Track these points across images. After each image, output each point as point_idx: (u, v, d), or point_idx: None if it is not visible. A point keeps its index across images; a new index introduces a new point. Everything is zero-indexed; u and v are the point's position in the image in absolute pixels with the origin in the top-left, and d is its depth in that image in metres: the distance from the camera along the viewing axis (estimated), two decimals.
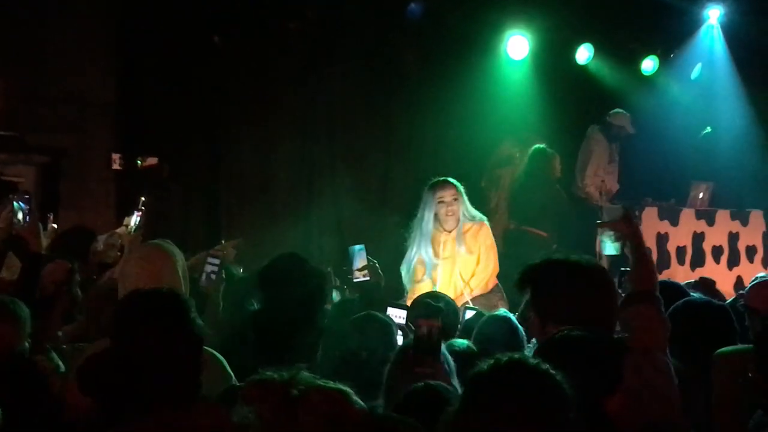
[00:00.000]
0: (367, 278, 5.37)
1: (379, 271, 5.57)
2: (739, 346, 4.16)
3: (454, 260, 6.88)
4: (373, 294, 5.26)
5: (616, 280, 5.13)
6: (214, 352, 3.61)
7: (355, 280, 5.50)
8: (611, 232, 4.18)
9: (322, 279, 4.54)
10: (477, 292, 6.85)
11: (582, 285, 3.52)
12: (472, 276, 6.93)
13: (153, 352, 2.90)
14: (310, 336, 4.08)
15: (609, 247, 4.24)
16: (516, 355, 2.52)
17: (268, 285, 4.48)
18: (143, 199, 5.94)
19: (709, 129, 11.81)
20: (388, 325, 4.10)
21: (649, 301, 3.76)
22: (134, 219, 5.62)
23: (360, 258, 5.53)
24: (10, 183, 5.50)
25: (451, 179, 6.98)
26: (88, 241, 5.87)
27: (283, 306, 4.20)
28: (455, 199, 6.90)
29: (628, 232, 4.08)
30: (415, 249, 6.93)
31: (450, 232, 6.96)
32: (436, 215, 6.94)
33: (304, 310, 4.17)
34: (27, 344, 3.91)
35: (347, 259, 5.63)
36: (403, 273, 6.96)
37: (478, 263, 6.96)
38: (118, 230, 6.41)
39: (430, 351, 3.62)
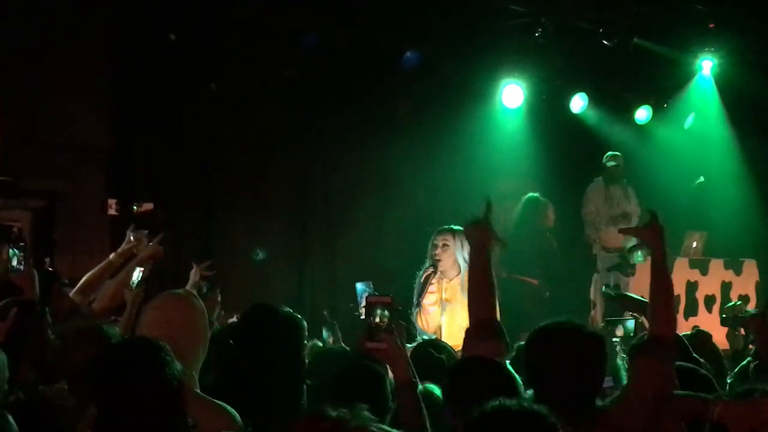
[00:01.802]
0: None
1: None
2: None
3: (457, 307, 6.87)
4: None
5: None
6: (225, 406, 3.52)
7: (362, 317, 5.47)
8: (635, 240, 4.13)
9: (294, 328, 4.45)
10: None
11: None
12: None
13: (129, 404, 2.90)
14: (289, 387, 3.98)
15: (637, 255, 4.22)
16: (505, 401, 2.53)
17: (237, 338, 4.37)
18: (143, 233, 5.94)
19: (702, 178, 11.87)
20: (380, 377, 4.02)
21: (653, 353, 3.63)
22: (137, 274, 5.61)
23: (366, 295, 5.51)
24: (5, 227, 5.48)
25: (452, 226, 7.00)
26: (51, 283, 5.84)
27: (254, 358, 4.09)
28: (444, 245, 6.95)
29: (650, 239, 3.89)
30: (418, 296, 6.96)
31: (451, 279, 6.97)
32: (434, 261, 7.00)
33: (274, 361, 4.04)
34: (6, 388, 3.89)
35: (354, 296, 5.61)
36: (412, 318, 6.96)
37: None
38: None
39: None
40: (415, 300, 6.96)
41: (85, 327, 4.54)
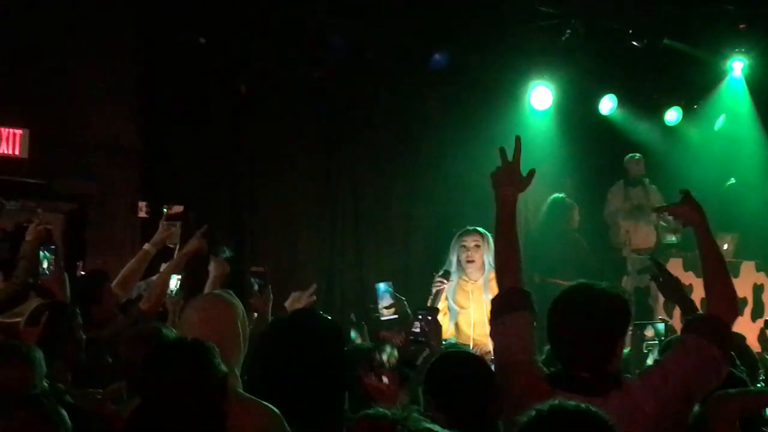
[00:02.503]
0: (395, 316, 5.31)
1: (407, 309, 5.51)
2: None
3: (480, 309, 6.78)
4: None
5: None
6: (268, 405, 3.47)
7: (382, 318, 5.46)
8: (670, 218, 3.94)
9: (337, 332, 4.44)
10: None
11: None
12: None
13: (175, 403, 2.96)
14: (331, 393, 3.94)
15: (671, 237, 4.14)
16: (556, 402, 2.52)
17: (279, 343, 4.35)
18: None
19: (733, 180, 11.78)
20: None
21: (704, 332, 3.40)
22: (174, 282, 5.63)
23: (387, 295, 5.49)
24: (45, 230, 5.53)
25: (479, 228, 6.90)
26: (100, 283, 5.88)
27: (297, 363, 4.05)
28: (476, 246, 6.82)
29: (687, 214, 3.72)
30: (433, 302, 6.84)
31: (476, 281, 6.89)
32: (459, 262, 6.88)
33: (317, 366, 4.01)
34: (46, 385, 3.94)
35: (374, 297, 5.58)
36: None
37: None
38: (153, 278, 6.49)
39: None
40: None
41: (144, 328, 4.57)
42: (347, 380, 3.96)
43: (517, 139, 4.01)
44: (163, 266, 6.11)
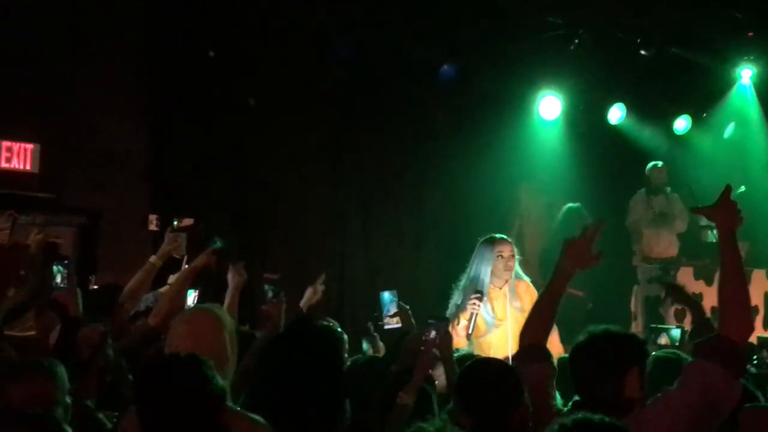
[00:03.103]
0: (399, 325, 5.30)
1: (412, 318, 5.49)
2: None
3: (512, 319, 6.67)
4: (401, 343, 5.09)
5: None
6: (258, 418, 3.50)
7: (386, 327, 5.45)
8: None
9: (333, 340, 4.43)
10: None
11: None
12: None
13: (171, 418, 2.94)
14: (328, 401, 3.95)
15: (710, 234, 4.11)
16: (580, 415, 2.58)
17: (273, 353, 4.34)
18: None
19: (743, 188, 11.74)
20: (428, 395, 3.99)
21: (717, 356, 3.35)
22: (192, 299, 5.64)
23: (392, 304, 5.48)
24: (52, 244, 5.55)
25: (505, 236, 6.88)
26: (113, 297, 5.89)
27: (292, 371, 4.05)
28: (512, 255, 6.77)
29: (718, 218, 3.63)
30: (466, 315, 6.60)
31: (500, 288, 6.83)
32: (491, 270, 6.80)
33: (313, 374, 4.00)
34: (68, 400, 3.94)
35: (378, 305, 5.58)
36: (458, 327, 6.65)
37: None
38: (162, 290, 6.50)
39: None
40: (452, 313, 6.69)
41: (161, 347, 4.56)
42: (350, 388, 3.99)
43: (600, 222, 4.13)
44: (171, 278, 6.13)
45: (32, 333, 4.76)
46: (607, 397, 3.38)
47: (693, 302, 4.42)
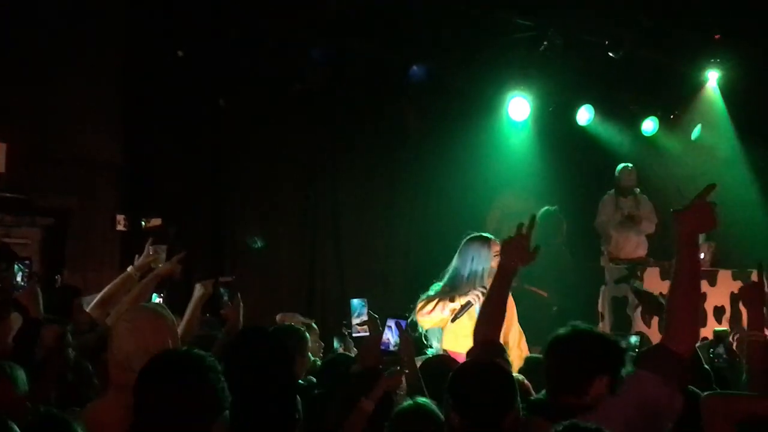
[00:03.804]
0: (367, 334, 5.30)
1: (380, 326, 5.50)
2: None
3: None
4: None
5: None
6: None
7: (354, 335, 5.46)
8: None
9: (282, 344, 4.39)
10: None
11: None
12: (520, 337, 6.98)
13: (170, 414, 2.93)
14: (277, 405, 3.93)
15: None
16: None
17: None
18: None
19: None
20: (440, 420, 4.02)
21: (656, 367, 3.34)
22: (156, 301, 5.63)
23: (361, 312, 5.48)
24: (7, 247, 5.52)
25: (488, 234, 6.90)
26: (72, 297, 5.86)
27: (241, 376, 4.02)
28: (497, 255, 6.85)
29: (688, 222, 3.48)
30: (462, 300, 6.66)
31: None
32: (482, 270, 6.82)
33: (262, 377, 3.99)
34: (28, 405, 3.92)
35: (348, 312, 5.58)
36: (447, 305, 6.68)
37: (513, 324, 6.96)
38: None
39: None
40: (454, 314, 6.66)
41: None
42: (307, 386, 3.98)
43: (533, 217, 4.17)
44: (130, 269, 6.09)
45: None
46: (574, 397, 3.42)
47: (662, 310, 4.45)
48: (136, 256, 5.93)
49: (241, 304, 5.34)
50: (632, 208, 11.03)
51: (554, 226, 10.16)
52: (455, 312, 6.49)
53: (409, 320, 4.85)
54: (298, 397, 3.89)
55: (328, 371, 5.19)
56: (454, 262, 6.82)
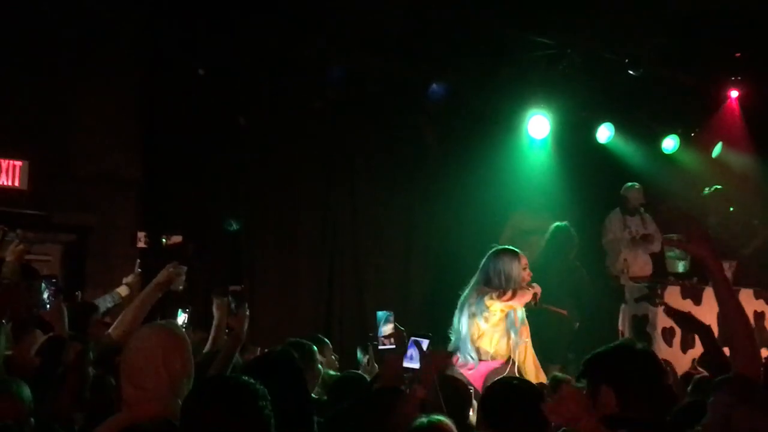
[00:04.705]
0: (393, 346, 5.28)
1: (406, 340, 5.50)
2: None
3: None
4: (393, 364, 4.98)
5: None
6: None
7: (380, 347, 5.41)
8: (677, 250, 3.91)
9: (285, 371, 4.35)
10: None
11: None
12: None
13: None
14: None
15: (678, 264, 3.99)
16: None
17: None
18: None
19: (731, 209, 11.81)
20: None
21: (731, 391, 3.26)
22: (182, 318, 5.59)
23: (387, 325, 5.45)
24: (35, 267, 5.51)
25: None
26: (87, 315, 5.85)
27: None
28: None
29: (703, 259, 3.47)
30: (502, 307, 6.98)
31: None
32: (509, 277, 7.04)
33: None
34: (32, 420, 3.93)
35: (375, 324, 5.56)
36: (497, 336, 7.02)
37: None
38: (119, 289, 6.54)
39: None
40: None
41: None
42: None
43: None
44: (126, 279, 6.05)
45: (8, 353, 4.70)
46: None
47: (702, 328, 4.35)
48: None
49: (248, 313, 5.32)
50: (639, 227, 11.03)
51: (566, 242, 10.11)
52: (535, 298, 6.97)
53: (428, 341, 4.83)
54: (314, 416, 3.87)
55: (339, 390, 5.18)
56: (484, 273, 7.00)
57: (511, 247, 7.23)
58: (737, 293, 10.09)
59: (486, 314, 6.98)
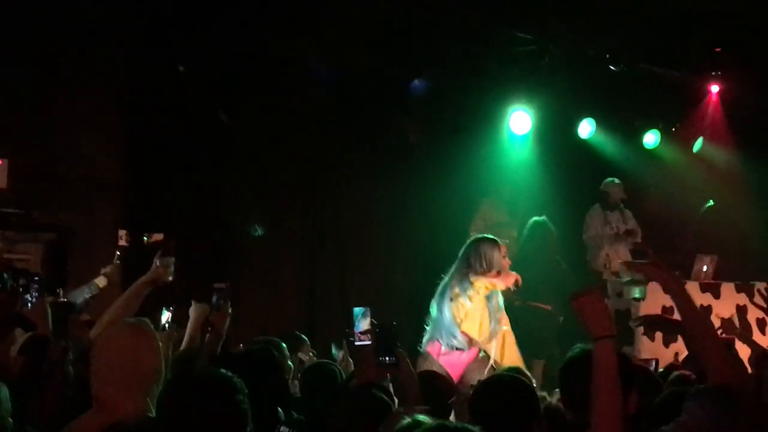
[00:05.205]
0: (369, 342, 5.26)
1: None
2: None
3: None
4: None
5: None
6: None
7: (356, 343, 5.40)
8: (636, 275, 3.97)
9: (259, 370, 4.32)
10: None
11: None
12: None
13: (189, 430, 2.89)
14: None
15: (634, 290, 4.04)
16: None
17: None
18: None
19: (711, 202, 11.85)
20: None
21: (706, 399, 3.24)
22: (166, 317, 5.53)
23: (364, 320, 5.43)
24: (18, 264, 5.45)
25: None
26: (68, 312, 5.79)
27: None
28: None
29: (663, 282, 3.51)
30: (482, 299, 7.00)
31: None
32: (491, 261, 7.08)
33: None
34: (10, 421, 3.89)
35: (350, 321, 5.53)
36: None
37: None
38: (96, 280, 6.49)
39: None
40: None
41: None
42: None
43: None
44: (104, 269, 5.95)
45: None
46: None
47: (682, 329, 4.34)
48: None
49: (230, 311, 5.30)
50: (619, 222, 11.07)
51: (544, 236, 10.14)
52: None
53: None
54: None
55: (312, 382, 5.19)
56: (464, 259, 7.03)
57: (490, 236, 7.27)
58: (719, 287, 10.19)
59: (470, 292, 6.98)
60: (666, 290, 3.50)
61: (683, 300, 3.45)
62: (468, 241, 7.34)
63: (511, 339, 7.34)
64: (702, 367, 3.41)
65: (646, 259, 3.66)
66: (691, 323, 3.45)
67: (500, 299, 7.23)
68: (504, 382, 3.76)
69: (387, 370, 4.62)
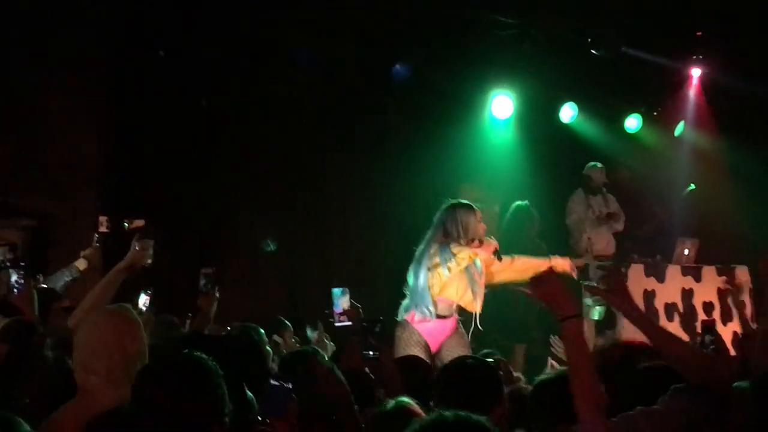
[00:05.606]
0: (350, 323, 5.23)
1: (362, 316, 5.43)
2: None
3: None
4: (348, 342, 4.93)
5: None
6: None
7: (336, 324, 5.36)
8: (596, 297, 4.08)
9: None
10: None
11: None
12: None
13: (165, 416, 2.88)
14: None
15: (593, 311, 4.13)
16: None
17: None
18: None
19: (692, 186, 11.89)
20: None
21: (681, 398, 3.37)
22: (144, 300, 5.46)
23: (343, 301, 5.39)
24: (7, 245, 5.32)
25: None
26: (49, 298, 5.75)
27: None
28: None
29: (616, 304, 3.66)
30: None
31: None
32: (468, 228, 7.04)
33: None
34: None
35: (329, 302, 5.48)
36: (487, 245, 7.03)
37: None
38: (77, 263, 6.45)
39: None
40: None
41: None
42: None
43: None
44: (83, 252, 6.10)
45: None
46: None
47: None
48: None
49: (217, 295, 5.27)
50: (602, 206, 11.09)
51: (526, 220, 10.14)
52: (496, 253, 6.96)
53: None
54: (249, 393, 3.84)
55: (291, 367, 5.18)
56: (440, 225, 6.95)
57: (465, 201, 7.18)
58: (701, 270, 10.18)
59: (451, 263, 6.89)
60: (626, 317, 3.60)
61: (644, 324, 3.54)
62: (443, 207, 7.23)
63: None
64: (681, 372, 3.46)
65: (616, 277, 3.77)
66: (659, 343, 3.53)
67: (478, 264, 7.12)
68: (466, 366, 3.82)
69: (370, 364, 4.61)
